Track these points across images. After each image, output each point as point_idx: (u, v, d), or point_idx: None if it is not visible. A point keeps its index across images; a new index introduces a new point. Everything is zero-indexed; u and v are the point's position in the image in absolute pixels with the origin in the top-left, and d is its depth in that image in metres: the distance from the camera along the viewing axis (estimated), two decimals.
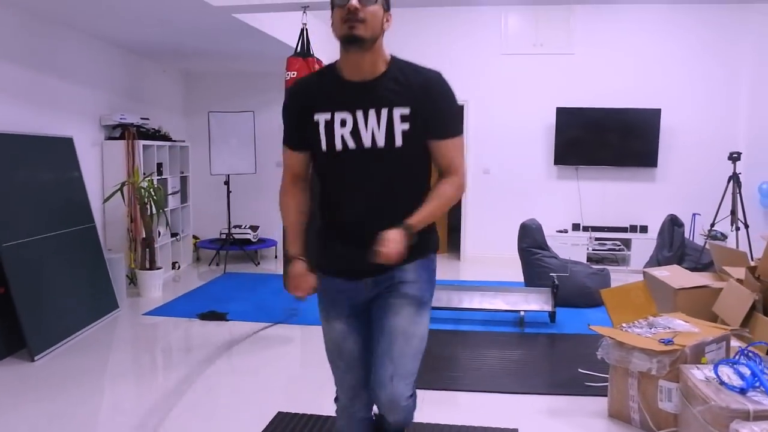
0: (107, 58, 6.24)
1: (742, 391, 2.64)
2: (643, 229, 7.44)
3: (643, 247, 7.13)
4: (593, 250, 7.33)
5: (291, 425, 3.22)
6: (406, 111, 1.89)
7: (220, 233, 7.68)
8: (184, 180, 7.49)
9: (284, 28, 5.85)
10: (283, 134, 2.10)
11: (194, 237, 7.96)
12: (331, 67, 2.01)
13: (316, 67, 4.58)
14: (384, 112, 1.89)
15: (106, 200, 5.74)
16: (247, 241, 7.66)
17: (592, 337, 4.73)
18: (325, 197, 2.06)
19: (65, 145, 5.28)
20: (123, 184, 5.70)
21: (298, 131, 2.02)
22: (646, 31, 7.42)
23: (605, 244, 7.35)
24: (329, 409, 3.06)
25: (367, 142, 1.91)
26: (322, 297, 2.14)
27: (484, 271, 7.20)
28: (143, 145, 6.32)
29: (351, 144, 1.92)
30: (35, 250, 4.52)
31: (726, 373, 2.78)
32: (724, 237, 6.80)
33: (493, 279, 6.61)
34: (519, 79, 7.63)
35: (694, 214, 7.08)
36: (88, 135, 5.92)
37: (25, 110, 4.98)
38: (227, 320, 5.23)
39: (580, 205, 7.64)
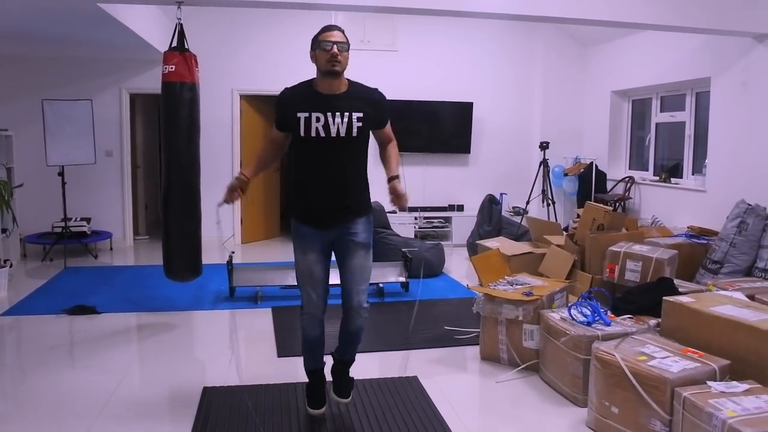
0: None
1: (588, 324, 3.53)
2: (461, 207, 8.54)
3: (461, 224, 8.21)
4: (420, 227, 8.24)
5: (222, 398, 3.52)
6: (360, 114, 2.98)
7: (53, 227, 7.32)
8: (8, 171, 7.01)
9: (135, 18, 5.84)
10: (275, 121, 3.11)
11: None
12: (309, 83, 3.03)
13: (193, 62, 4.75)
14: (347, 115, 2.96)
15: None
16: (83, 234, 7.40)
17: (445, 301, 5.59)
18: (299, 169, 3.05)
19: None
20: None
21: (284, 121, 3.04)
22: (459, 35, 8.51)
23: (432, 222, 8.31)
24: (244, 380, 3.69)
25: (333, 132, 2.94)
26: (299, 237, 3.07)
27: None
28: None
29: (323, 133, 2.94)
30: None
31: (575, 313, 3.66)
32: (525, 212, 8.09)
33: None
34: (348, 73, 8.23)
35: (501, 194, 8.29)
36: None
37: None
38: (98, 313, 5.19)
39: (405, 188, 8.48)
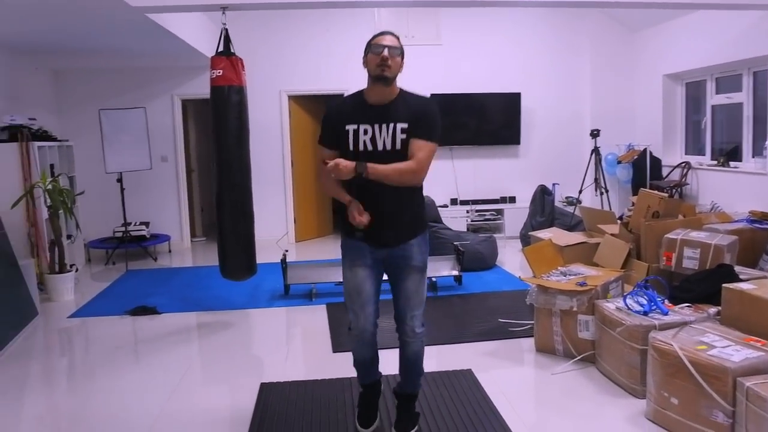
0: None
1: (645, 314, 3.45)
2: (512, 199, 8.46)
3: (514, 216, 8.14)
4: (473, 221, 8.20)
5: (279, 393, 3.59)
6: (404, 125, 2.74)
7: (114, 232, 7.59)
8: (71, 180, 7.30)
9: (181, 25, 5.99)
10: (319, 137, 2.89)
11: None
12: (359, 93, 2.86)
13: (240, 65, 4.85)
14: (391, 126, 2.74)
15: (13, 205, 5.56)
16: (143, 238, 7.64)
17: (498, 294, 5.55)
18: (347, 184, 2.83)
19: None
20: (32, 187, 5.56)
21: (333, 135, 2.83)
22: (505, 25, 8.41)
23: (484, 215, 8.26)
24: (301, 375, 3.72)
25: (380, 146, 2.75)
26: (349, 252, 2.90)
27: None
28: (38, 146, 6.15)
29: (370, 147, 2.75)
30: None
31: (631, 303, 3.59)
32: (579, 202, 7.95)
33: None
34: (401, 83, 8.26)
35: (554, 184, 8.16)
36: None
37: None
38: (159, 313, 5.36)
39: (456, 182, 8.49)
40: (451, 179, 8.50)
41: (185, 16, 6.12)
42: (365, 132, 2.74)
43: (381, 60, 2.70)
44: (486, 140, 8.48)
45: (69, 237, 6.93)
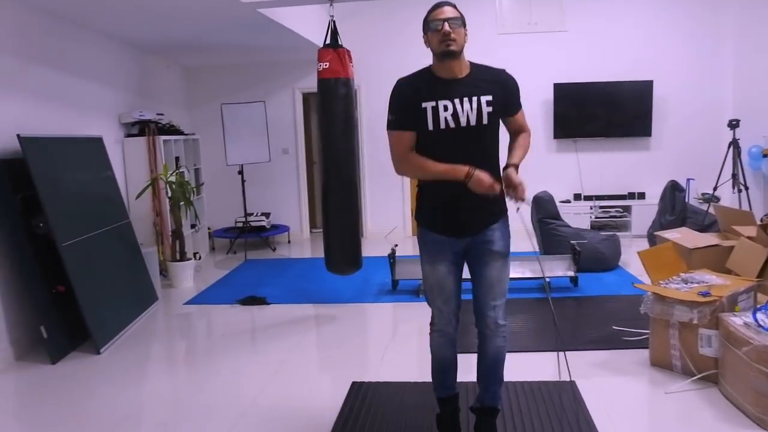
0: (118, 56, 6.37)
1: None
2: (641, 195, 7.85)
3: (642, 213, 7.55)
4: (596, 218, 7.71)
5: (368, 392, 3.51)
6: (489, 98, 2.58)
7: (236, 222, 7.89)
8: (197, 172, 7.66)
9: (297, 19, 6.05)
10: (389, 122, 2.65)
11: (207, 227, 8.16)
12: (427, 69, 2.66)
13: (347, 57, 4.80)
14: (474, 99, 2.57)
15: (138, 196, 5.91)
16: (262, 228, 7.88)
17: (616, 298, 5.14)
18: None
19: (96, 145, 5.44)
20: (154, 180, 5.87)
21: (409, 116, 2.59)
22: (634, 7, 7.78)
23: (608, 212, 7.75)
24: (395, 375, 3.51)
25: (463, 121, 2.56)
26: (429, 246, 2.73)
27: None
28: (163, 140, 6.49)
29: (452, 124, 2.56)
30: (86, 248, 4.71)
31: (761, 318, 3.14)
32: (717, 199, 7.22)
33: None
34: (516, 58, 7.88)
35: (688, 180, 7.49)
36: (110, 133, 6.07)
37: (52, 112, 5.12)
38: (268, 303, 5.48)
39: (580, 176, 8.01)
40: (575, 173, 8.03)
41: (302, 11, 6.18)
42: (445, 108, 2.55)
43: (443, 36, 2.52)
44: (614, 132, 7.91)
45: (193, 226, 7.28)
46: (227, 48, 7.10)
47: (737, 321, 3.20)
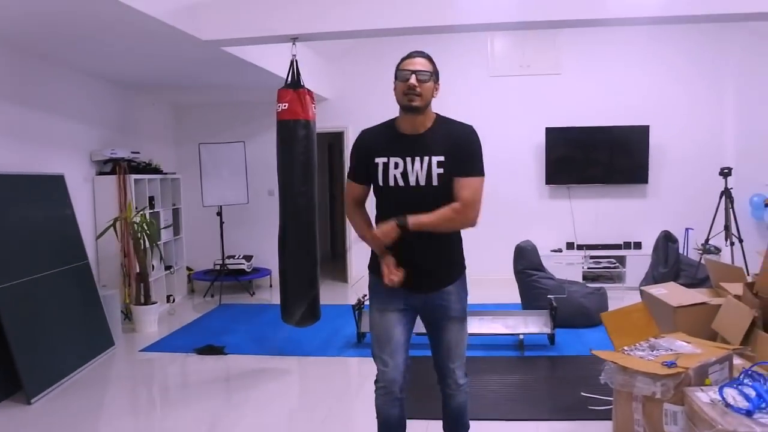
0: (96, 93, 6.24)
1: (749, 413, 2.62)
2: (637, 245, 7.47)
3: (638, 264, 7.15)
4: (588, 268, 7.33)
5: None
6: (441, 158, 2.45)
7: (214, 264, 7.64)
8: (176, 212, 7.46)
9: (272, 59, 5.88)
10: (348, 170, 2.69)
11: (188, 269, 7.92)
12: (392, 122, 2.59)
13: (307, 98, 4.59)
14: (426, 159, 2.45)
15: (99, 236, 5.70)
16: (242, 272, 7.62)
17: (593, 359, 4.71)
18: (382, 219, 2.55)
19: (56, 183, 5.25)
20: (116, 220, 5.66)
21: (363, 169, 2.59)
22: (631, 50, 7.52)
23: (600, 262, 7.36)
24: None
25: (412, 181, 2.47)
26: (380, 295, 2.61)
27: (482, 293, 7.15)
28: (135, 179, 6.31)
29: (401, 182, 2.48)
30: (29, 290, 4.47)
31: (731, 394, 2.76)
32: (718, 251, 6.83)
33: (490, 301, 6.58)
34: (508, 101, 7.69)
35: (687, 229, 7.12)
36: (80, 171, 5.90)
37: (14, 148, 4.96)
38: (225, 354, 5.17)
39: (573, 224, 7.66)
40: (568, 221, 7.68)
41: (275, 48, 6.01)
42: (396, 165, 2.48)
43: (408, 88, 2.43)
44: (610, 178, 7.58)
45: (168, 268, 7.05)
46: (209, 87, 6.96)
47: (704, 398, 2.82)
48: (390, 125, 2.58)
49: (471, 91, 7.73)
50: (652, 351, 3.33)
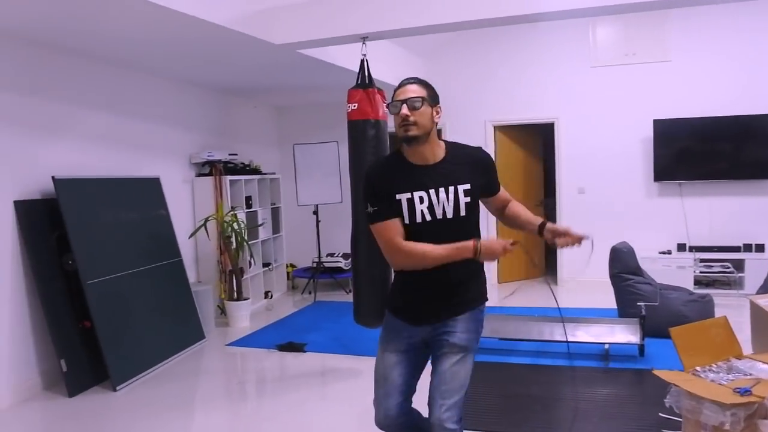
0: (195, 98, 6.57)
1: None
2: (760, 248, 6.74)
3: (759, 268, 6.44)
4: (701, 272, 6.72)
5: None
6: (467, 187, 2.38)
7: (312, 261, 7.80)
8: (276, 211, 7.69)
9: (352, 59, 5.89)
10: (370, 215, 2.38)
11: (291, 266, 8.16)
12: (397, 153, 2.45)
13: (377, 98, 4.54)
14: (451, 189, 2.37)
15: (191, 236, 5.99)
16: (339, 269, 7.72)
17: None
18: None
19: (152, 185, 5.58)
20: (206, 220, 5.92)
21: (385, 204, 2.35)
22: (751, 30, 6.77)
23: (712, 266, 6.73)
24: None
25: (439, 214, 2.36)
26: (385, 332, 2.55)
27: (580, 297, 6.83)
28: (231, 180, 6.57)
29: (428, 217, 2.36)
30: (121, 285, 4.79)
31: None
32: None
33: (588, 306, 6.24)
34: (611, 92, 7.22)
35: None
36: (179, 173, 6.24)
37: (117, 155, 5.35)
38: (304, 351, 5.27)
39: (686, 224, 7.06)
40: (679, 221, 7.08)
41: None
42: (421, 200, 2.35)
43: (402, 120, 2.33)
44: (729, 174, 6.88)
45: (267, 265, 7.30)
46: (303, 89, 7.10)
47: None
48: (398, 157, 2.43)
49: (572, 83, 7.34)
50: (728, 374, 2.98)
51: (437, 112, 2.40)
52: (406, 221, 2.36)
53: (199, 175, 6.53)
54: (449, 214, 2.36)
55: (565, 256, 7.53)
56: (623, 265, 5.57)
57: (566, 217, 7.46)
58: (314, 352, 5.26)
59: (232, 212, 6.14)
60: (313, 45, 4.81)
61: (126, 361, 4.60)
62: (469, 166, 2.41)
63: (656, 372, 3.06)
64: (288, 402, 4.19)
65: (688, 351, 3.22)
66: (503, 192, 2.61)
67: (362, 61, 4.60)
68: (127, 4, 3.61)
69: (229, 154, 6.74)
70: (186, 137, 6.39)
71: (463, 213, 2.37)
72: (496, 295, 7.30)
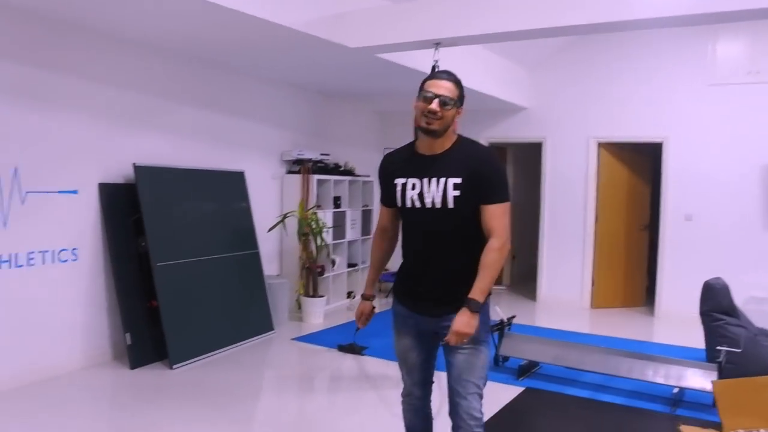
0: (289, 98, 6.82)
1: None
2: None
3: None
4: None
5: None
6: (457, 181, 2.39)
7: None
8: (367, 213, 7.75)
9: (446, 64, 5.82)
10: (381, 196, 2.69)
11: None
12: (411, 144, 2.57)
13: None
14: (442, 181, 2.40)
15: (270, 230, 6.17)
16: None
17: None
18: (403, 240, 2.63)
19: (236, 179, 5.82)
20: (285, 216, 6.09)
21: (386, 192, 2.60)
22: None
23: None
24: None
25: (428, 202, 2.43)
26: (395, 317, 2.67)
27: (676, 332, 6.30)
28: (320, 180, 6.72)
29: (417, 203, 2.46)
30: (189, 270, 5.04)
31: None
32: None
33: (678, 343, 5.75)
34: (729, 113, 6.60)
35: None
36: (268, 169, 6.48)
37: (208, 148, 5.69)
38: (363, 354, 5.27)
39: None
40: None
41: (449, 54, 5.96)
42: (413, 186, 2.46)
43: (428, 111, 2.37)
44: None
45: (353, 266, 7.40)
46: (402, 94, 7.11)
47: None
48: (410, 146, 2.57)
49: (685, 101, 6.80)
50: None
51: (459, 113, 2.44)
52: (398, 204, 2.51)
53: (290, 172, 6.73)
54: (437, 204, 2.40)
55: (664, 286, 6.98)
56: (714, 303, 5.05)
57: (670, 245, 6.91)
58: (373, 357, 5.25)
59: (311, 210, 6.26)
60: (386, 50, 4.82)
61: (187, 342, 4.84)
62: (468, 163, 2.41)
63: (685, 429, 2.74)
64: (330, 401, 4.27)
65: (732, 409, 2.86)
66: (494, 214, 2.39)
67: (433, 68, 4.54)
68: (207, 9, 3.84)
69: (321, 154, 6.89)
70: (279, 135, 6.63)
71: (451, 205, 2.39)
72: (586, 322, 6.93)
